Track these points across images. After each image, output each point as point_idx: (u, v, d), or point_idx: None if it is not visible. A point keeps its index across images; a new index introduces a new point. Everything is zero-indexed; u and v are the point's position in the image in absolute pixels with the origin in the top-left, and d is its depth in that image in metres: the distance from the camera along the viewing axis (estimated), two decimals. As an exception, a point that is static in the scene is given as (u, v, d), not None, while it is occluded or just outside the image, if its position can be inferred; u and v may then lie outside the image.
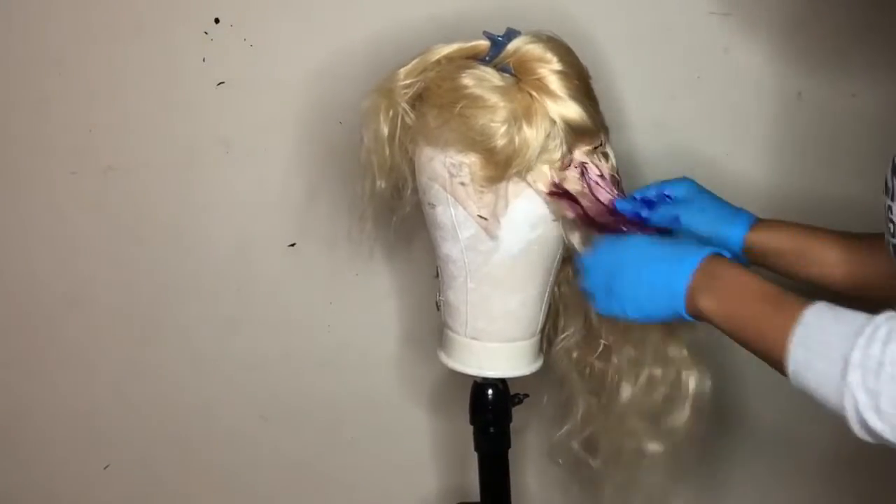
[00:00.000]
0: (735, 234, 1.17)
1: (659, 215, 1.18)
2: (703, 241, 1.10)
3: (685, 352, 1.20)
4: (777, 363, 0.89)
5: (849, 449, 1.16)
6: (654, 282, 1.03)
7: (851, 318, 0.85)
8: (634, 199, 1.19)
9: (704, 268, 0.99)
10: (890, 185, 1.00)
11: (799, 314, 0.87)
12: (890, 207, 1.00)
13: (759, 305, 0.93)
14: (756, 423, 1.59)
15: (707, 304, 0.99)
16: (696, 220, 1.18)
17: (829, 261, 1.16)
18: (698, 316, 1.00)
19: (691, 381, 1.20)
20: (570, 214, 1.14)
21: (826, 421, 0.86)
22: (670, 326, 1.18)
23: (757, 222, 1.19)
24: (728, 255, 1.02)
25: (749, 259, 1.18)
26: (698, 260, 1.00)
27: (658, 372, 1.22)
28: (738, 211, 1.20)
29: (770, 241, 1.17)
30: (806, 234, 1.18)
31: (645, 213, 1.17)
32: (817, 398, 0.85)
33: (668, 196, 1.19)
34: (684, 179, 1.21)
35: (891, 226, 1.01)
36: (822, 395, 0.85)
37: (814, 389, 0.85)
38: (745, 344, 0.95)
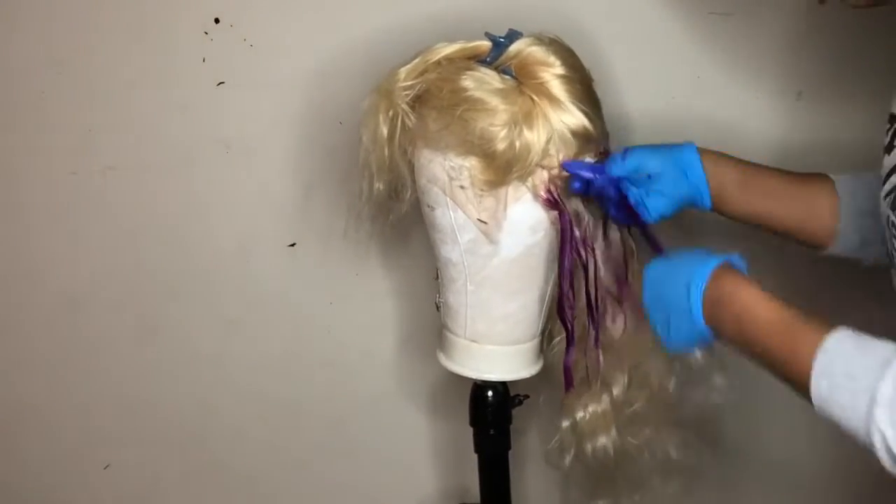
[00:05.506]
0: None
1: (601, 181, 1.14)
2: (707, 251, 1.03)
3: (661, 355, 1.20)
4: (801, 393, 0.86)
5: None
6: (671, 308, 1.00)
7: (876, 348, 0.82)
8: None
9: (712, 291, 0.96)
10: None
11: (819, 343, 0.84)
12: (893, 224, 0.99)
13: (776, 338, 0.89)
14: (752, 447, 1.60)
15: (722, 332, 0.96)
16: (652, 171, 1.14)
17: (772, 191, 1.14)
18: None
19: (669, 379, 1.21)
20: (558, 225, 1.15)
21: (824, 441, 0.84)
22: None
23: (700, 151, 1.15)
24: (736, 261, 0.98)
25: None
26: (703, 282, 0.96)
27: (651, 372, 1.21)
28: (679, 146, 1.16)
29: (715, 168, 1.15)
30: (748, 164, 1.16)
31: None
32: (844, 430, 0.83)
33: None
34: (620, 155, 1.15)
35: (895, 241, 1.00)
36: (849, 429, 0.82)
37: (840, 422, 0.83)
38: (769, 370, 0.92)
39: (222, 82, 1.44)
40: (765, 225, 1.16)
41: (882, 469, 0.81)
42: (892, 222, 0.97)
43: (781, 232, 1.16)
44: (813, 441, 1.51)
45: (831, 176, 1.16)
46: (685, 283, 0.97)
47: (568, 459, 1.24)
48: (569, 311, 1.18)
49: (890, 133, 1.01)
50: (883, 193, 1.00)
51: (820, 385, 0.83)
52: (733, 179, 1.15)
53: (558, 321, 1.22)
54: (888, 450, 0.78)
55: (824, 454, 1.51)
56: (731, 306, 0.94)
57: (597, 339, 1.19)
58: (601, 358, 1.20)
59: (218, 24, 1.42)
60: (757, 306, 0.92)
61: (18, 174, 1.50)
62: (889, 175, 0.99)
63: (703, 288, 0.96)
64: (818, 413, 0.85)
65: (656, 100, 1.42)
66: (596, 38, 1.34)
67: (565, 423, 1.23)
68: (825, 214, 1.13)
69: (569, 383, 1.22)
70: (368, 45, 1.40)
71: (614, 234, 1.19)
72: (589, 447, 1.22)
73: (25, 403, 1.62)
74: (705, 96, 1.42)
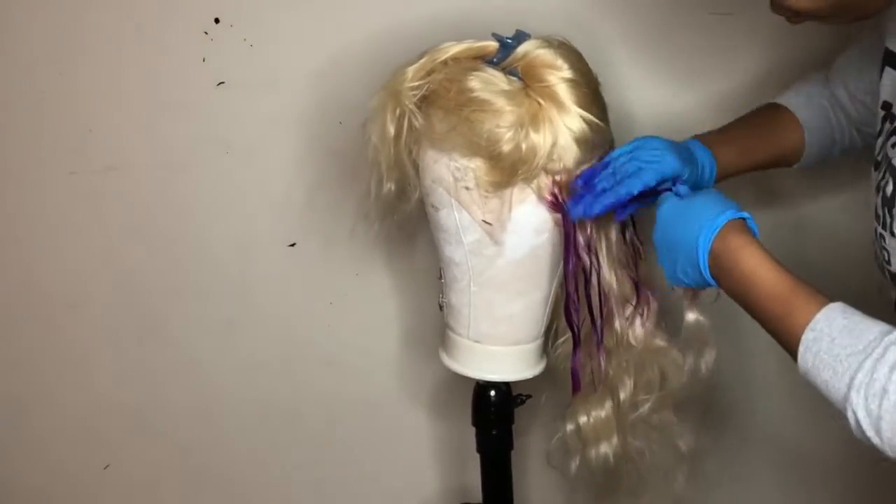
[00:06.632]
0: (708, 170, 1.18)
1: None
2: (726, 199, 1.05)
3: (675, 352, 1.20)
4: (791, 356, 0.90)
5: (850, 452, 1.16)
6: (679, 252, 1.02)
7: (863, 332, 0.85)
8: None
9: (719, 244, 0.98)
10: (880, 213, 1.00)
11: (811, 317, 0.88)
12: (882, 236, 1.00)
13: (772, 303, 0.93)
14: (750, 423, 1.60)
15: (723, 286, 1.00)
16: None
17: (752, 146, 1.23)
18: None
19: (682, 376, 1.21)
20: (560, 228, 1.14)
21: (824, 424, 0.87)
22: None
23: (711, 149, 1.19)
24: (746, 216, 1.00)
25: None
26: (713, 235, 0.98)
27: (651, 372, 1.21)
28: (692, 148, 1.17)
29: (734, 156, 1.21)
30: (729, 131, 1.24)
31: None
32: (823, 397, 0.88)
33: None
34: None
35: (885, 253, 1.02)
36: (828, 399, 0.87)
37: (821, 391, 0.87)
38: (764, 328, 0.95)
39: (222, 82, 1.44)
40: (746, 171, 1.24)
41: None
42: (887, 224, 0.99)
43: (761, 169, 1.26)
44: (819, 428, 1.52)
45: (782, 103, 1.25)
46: (695, 233, 1.00)
47: (572, 463, 1.25)
48: (574, 313, 1.18)
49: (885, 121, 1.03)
50: (874, 183, 1.02)
51: (806, 357, 0.88)
52: (727, 154, 1.20)
53: (562, 322, 1.22)
54: (858, 426, 0.84)
55: (832, 447, 1.52)
56: (735, 264, 0.97)
57: (599, 344, 1.19)
58: (603, 362, 1.20)
59: (218, 24, 1.41)
60: (759, 269, 0.96)
61: (18, 174, 1.49)
62: (881, 166, 1.01)
63: (711, 241, 0.99)
64: (802, 378, 0.89)
65: (656, 100, 1.42)
66: (596, 39, 1.34)
67: (570, 427, 1.23)
68: (796, 141, 1.24)
69: (576, 386, 1.21)
70: (368, 45, 1.40)
71: (621, 235, 1.18)
72: (592, 452, 1.23)
73: (25, 404, 1.62)
74: (706, 96, 1.42)
